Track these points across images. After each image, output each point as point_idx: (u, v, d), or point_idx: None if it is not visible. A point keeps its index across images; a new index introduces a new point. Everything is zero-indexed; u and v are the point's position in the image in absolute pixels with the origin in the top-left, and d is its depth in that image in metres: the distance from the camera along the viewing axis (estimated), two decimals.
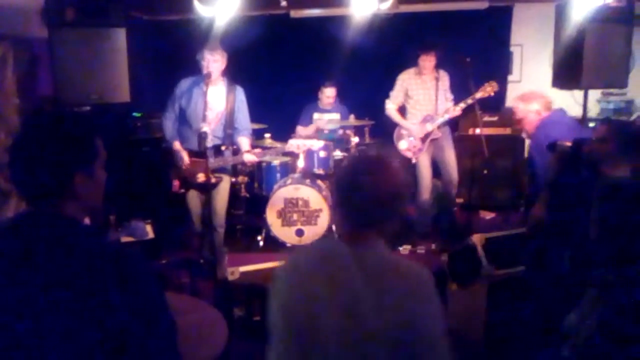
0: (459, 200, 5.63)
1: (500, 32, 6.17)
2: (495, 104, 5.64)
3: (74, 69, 3.62)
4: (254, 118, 4.47)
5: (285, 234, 4.79)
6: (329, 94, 5.59)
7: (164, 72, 5.57)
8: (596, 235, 1.78)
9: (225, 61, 4.01)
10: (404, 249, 4.89)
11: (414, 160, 5.09)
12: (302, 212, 4.78)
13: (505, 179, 5.70)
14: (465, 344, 3.24)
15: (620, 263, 1.69)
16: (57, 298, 1.15)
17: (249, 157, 4.14)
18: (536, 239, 2.98)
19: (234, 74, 4.26)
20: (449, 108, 4.95)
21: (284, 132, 5.39)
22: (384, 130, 5.55)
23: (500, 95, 5.73)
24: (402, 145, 5.10)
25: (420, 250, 4.90)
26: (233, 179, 4.64)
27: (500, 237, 3.46)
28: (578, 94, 4.30)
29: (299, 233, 4.79)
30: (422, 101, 5.03)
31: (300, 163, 5.06)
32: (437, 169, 5.22)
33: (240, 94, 4.16)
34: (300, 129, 5.69)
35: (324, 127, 5.65)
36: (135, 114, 5.41)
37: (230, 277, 4.23)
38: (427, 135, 5.00)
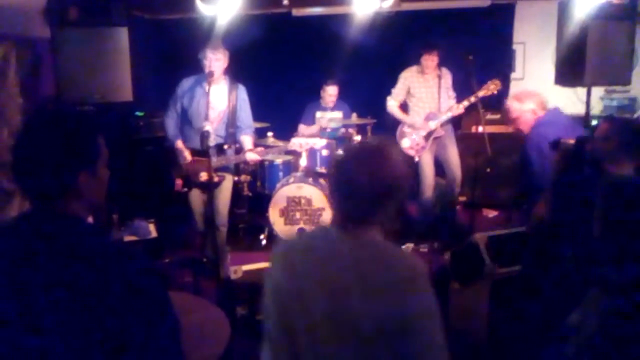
0: (462, 199, 5.62)
1: (502, 29, 6.15)
2: (498, 101, 5.62)
3: (77, 69, 3.63)
4: (256, 116, 4.47)
5: (288, 232, 4.80)
6: (331, 92, 5.59)
7: (166, 71, 5.58)
8: (599, 233, 1.78)
9: (227, 60, 4.01)
10: (407, 247, 4.88)
11: (416, 159, 5.09)
12: (305, 210, 4.78)
13: (508, 177, 5.68)
14: (468, 343, 3.24)
15: (623, 262, 1.69)
16: (58, 297, 1.16)
17: (252, 156, 4.14)
18: (539, 238, 2.97)
19: (236, 72, 4.26)
20: (451, 106, 4.94)
21: (286, 131, 5.39)
22: (386, 128, 5.54)
23: (503, 93, 5.70)
24: (405, 143, 5.10)
25: (423, 248, 4.90)
26: (235, 178, 4.64)
27: (502, 236, 3.45)
28: (581, 91, 4.29)
29: (302, 232, 4.80)
30: (424, 99, 5.03)
31: (303, 162, 5.07)
32: (440, 168, 5.22)
33: (242, 92, 4.15)
34: (302, 128, 5.69)
35: (327, 125, 5.65)
36: (138, 113, 5.42)
37: (233, 276, 4.24)
38: (430, 134, 5.00)
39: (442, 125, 4.99)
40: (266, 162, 5.18)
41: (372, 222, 1.55)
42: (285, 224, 4.80)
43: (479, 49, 4.94)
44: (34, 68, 3.83)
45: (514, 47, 6.27)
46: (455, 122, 5.31)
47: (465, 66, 4.62)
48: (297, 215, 4.78)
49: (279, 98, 6.02)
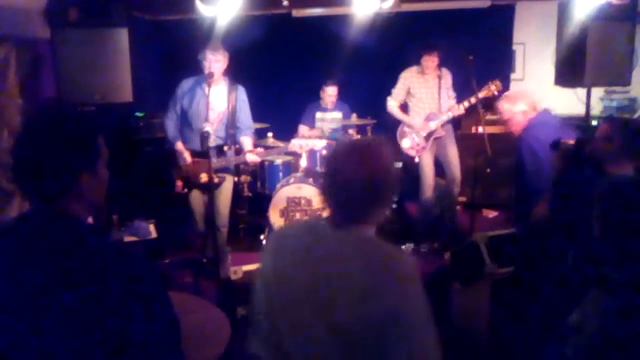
0: (462, 199, 5.62)
1: (502, 30, 6.16)
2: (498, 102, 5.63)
3: (77, 69, 3.63)
4: (256, 117, 4.47)
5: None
6: (330, 92, 5.59)
7: (166, 72, 5.58)
8: (599, 233, 1.78)
9: (227, 61, 4.01)
10: (407, 247, 4.89)
11: (416, 159, 5.09)
12: (305, 211, 4.78)
13: (508, 178, 5.68)
14: (469, 342, 3.24)
15: (623, 261, 1.69)
16: (58, 298, 1.16)
17: (252, 157, 4.13)
18: (539, 238, 2.97)
19: (236, 73, 4.26)
20: (452, 106, 4.94)
21: (286, 131, 5.39)
22: (386, 129, 5.55)
23: (504, 94, 5.72)
24: (405, 143, 5.10)
25: (423, 249, 4.90)
26: (236, 178, 4.64)
27: (503, 236, 3.45)
28: (581, 92, 4.29)
29: (297, 221, 4.80)
30: (424, 99, 5.03)
31: (303, 162, 5.07)
32: (440, 168, 5.22)
33: (241, 93, 4.15)
34: (302, 128, 5.69)
35: (327, 126, 5.65)
36: (138, 114, 5.42)
37: (233, 277, 4.24)
38: (430, 134, 5.00)
39: (442, 125, 4.99)
40: (266, 163, 5.18)
41: (362, 219, 1.55)
42: (286, 224, 4.80)
43: (479, 50, 4.94)
44: (34, 69, 3.83)
45: (514, 47, 6.27)
46: (455, 123, 5.31)
47: (465, 67, 4.62)
48: (297, 215, 4.78)
49: (279, 99, 6.02)
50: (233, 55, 4.08)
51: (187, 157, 4.04)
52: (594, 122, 4.80)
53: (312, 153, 5.04)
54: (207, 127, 3.58)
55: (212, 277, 3.92)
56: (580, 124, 4.65)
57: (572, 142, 2.83)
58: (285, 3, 5.20)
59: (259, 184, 5.33)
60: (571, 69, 4.01)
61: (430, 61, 4.90)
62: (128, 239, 4.21)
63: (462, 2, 5.94)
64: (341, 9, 5.43)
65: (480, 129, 5.09)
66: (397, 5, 5.07)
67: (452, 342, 1.49)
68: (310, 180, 4.87)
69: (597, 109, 5.65)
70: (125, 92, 3.75)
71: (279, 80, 6.14)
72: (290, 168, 5.24)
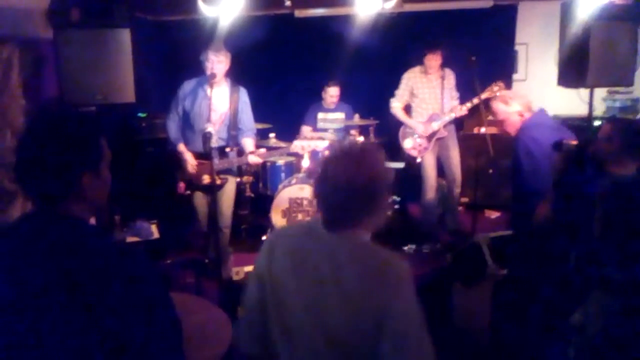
0: (464, 200, 5.62)
1: (505, 30, 6.15)
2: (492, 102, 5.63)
3: (79, 70, 3.63)
4: (258, 118, 4.47)
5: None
6: (332, 93, 5.59)
7: (168, 73, 5.59)
8: (600, 234, 1.77)
9: (229, 62, 4.01)
10: (409, 248, 4.88)
11: (418, 159, 5.09)
12: (307, 211, 4.78)
13: (510, 179, 5.67)
14: (470, 343, 3.23)
15: (625, 262, 1.68)
16: (59, 298, 1.16)
17: (254, 159, 4.13)
18: (541, 238, 2.97)
19: (238, 73, 4.26)
20: (455, 107, 4.94)
21: (288, 132, 5.40)
22: (389, 129, 5.54)
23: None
24: (407, 144, 5.10)
25: (425, 249, 4.89)
26: (238, 179, 4.64)
27: (505, 237, 3.45)
28: (584, 92, 4.28)
29: (299, 222, 4.80)
30: (427, 100, 5.02)
31: (305, 163, 5.07)
32: (442, 168, 5.22)
33: (243, 95, 4.15)
34: (305, 129, 5.69)
35: (329, 127, 5.65)
36: (140, 114, 5.43)
37: (235, 277, 4.24)
38: (433, 134, 4.99)
39: (445, 126, 4.98)
40: (268, 164, 5.17)
41: (354, 224, 1.55)
42: (288, 225, 4.80)
43: (481, 50, 4.93)
44: (36, 69, 3.83)
45: (517, 48, 6.26)
46: (458, 123, 5.30)
47: (468, 67, 4.61)
48: (299, 216, 4.78)
49: (281, 99, 6.02)
50: (235, 56, 4.08)
51: (190, 159, 4.03)
52: (597, 123, 4.79)
53: (314, 154, 5.03)
54: (210, 128, 3.57)
55: (214, 278, 3.92)
56: (583, 124, 4.64)
57: (574, 142, 2.83)
58: (288, 3, 5.20)
59: (261, 184, 5.33)
60: (574, 69, 4.00)
61: (434, 60, 4.90)
62: (130, 239, 4.21)
63: (465, 2, 5.93)
64: (343, 9, 5.42)
65: (483, 130, 5.09)
66: (399, 6, 5.07)
67: (453, 343, 1.49)
68: (312, 181, 4.86)
69: (599, 109, 5.63)
70: (127, 92, 3.75)
71: (281, 81, 6.14)
72: (292, 169, 5.24)
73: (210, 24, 4.40)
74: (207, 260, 4.37)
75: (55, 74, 3.69)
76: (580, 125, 5.27)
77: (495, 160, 4.98)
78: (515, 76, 6.30)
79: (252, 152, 4.11)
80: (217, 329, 2.25)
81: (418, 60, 5.05)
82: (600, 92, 5.56)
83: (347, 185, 1.51)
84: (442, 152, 5.12)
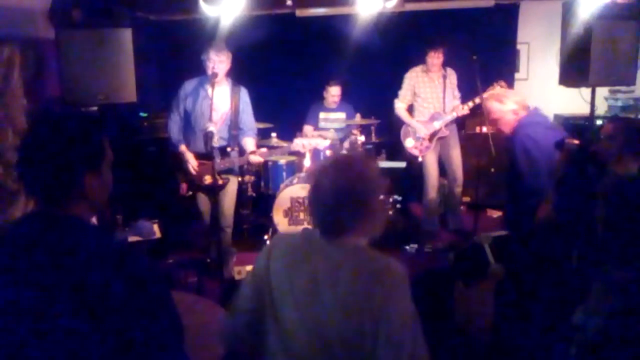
0: (466, 199, 5.61)
1: (507, 29, 6.14)
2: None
3: (81, 70, 3.63)
4: (259, 117, 4.47)
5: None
6: (333, 92, 5.58)
7: (170, 72, 5.59)
8: (601, 233, 1.77)
9: (230, 61, 4.01)
10: (411, 247, 4.88)
11: (420, 159, 5.08)
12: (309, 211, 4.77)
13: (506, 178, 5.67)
14: (472, 343, 3.23)
15: (626, 260, 1.68)
16: (60, 298, 1.16)
17: (255, 158, 4.13)
18: (543, 238, 2.96)
19: (240, 73, 4.26)
20: (456, 106, 4.94)
21: (289, 131, 5.40)
22: (390, 128, 5.54)
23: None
24: (409, 143, 5.10)
25: (427, 249, 4.89)
26: (239, 179, 4.65)
27: (507, 236, 3.44)
28: (585, 91, 4.27)
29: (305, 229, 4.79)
30: (429, 99, 5.02)
31: (307, 162, 5.07)
32: (443, 168, 5.22)
33: (244, 95, 4.15)
34: (307, 129, 5.68)
35: (331, 126, 5.65)
36: (142, 114, 5.43)
37: (237, 277, 4.24)
38: (434, 133, 4.99)
39: (446, 125, 4.98)
40: (270, 163, 5.17)
41: (348, 231, 1.56)
42: (289, 224, 4.79)
43: (483, 49, 4.93)
44: (38, 69, 3.83)
45: (518, 47, 6.25)
46: (459, 123, 5.30)
47: (469, 66, 4.61)
48: (301, 215, 4.77)
49: (283, 99, 6.02)
50: (237, 55, 4.08)
51: (192, 160, 4.03)
52: (599, 122, 4.78)
53: (316, 153, 5.03)
54: (211, 127, 3.57)
55: (216, 277, 3.92)
56: (585, 124, 4.64)
57: (576, 142, 2.83)
58: (289, 3, 5.19)
59: (262, 184, 5.33)
60: (576, 68, 4.00)
61: (436, 58, 4.89)
62: (132, 238, 4.22)
63: (466, 1, 5.93)
64: (345, 8, 5.42)
65: (485, 129, 5.08)
66: (400, 5, 5.06)
67: (454, 342, 1.49)
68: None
69: (601, 108, 5.62)
70: (129, 92, 3.75)
71: (282, 80, 6.14)
72: (294, 168, 5.24)
73: (211, 23, 4.40)
74: (208, 260, 4.38)
75: (56, 73, 3.69)
76: (582, 125, 5.28)
77: (497, 159, 4.97)
78: (516, 75, 6.29)
79: (253, 152, 4.11)
80: (219, 329, 2.25)
81: (419, 60, 5.04)
82: (602, 91, 5.54)
83: (334, 193, 1.53)
84: (443, 151, 5.12)
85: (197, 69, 4.06)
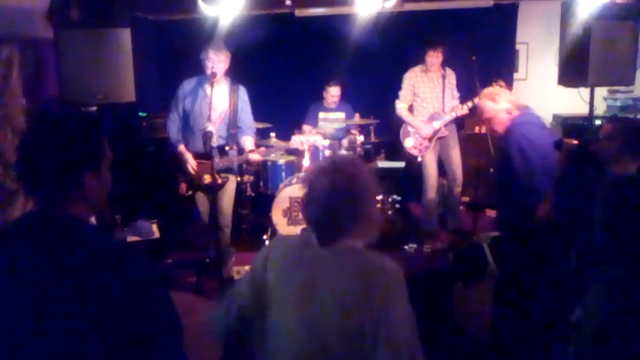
0: (465, 199, 5.61)
1: (505, 29, 6.14)
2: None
3: (80, 70, 3.63)
4: (258, 117, 4.46)
5: (291, 233, 4.79)
6: (333, 92, 5.58)
7: (168, 72, 5.59)
8: (600, 232, 1.77)
9: (229, 61, 4.01)
10: (410, 247, 4.88)
11: (419, 159, 5.08)
12: None
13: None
14: (472, 343, 3.23)
15: (624, 260, 1.68)
16: (59, 298, 1.16)
17: (254, 157, 4.13)
18: (542, 238, 2.97)
19: (239, 73, 4.26)
20: (455, 106, 4.94)
21: (288, 131, 5.39)
22: (389, 128, 5.54)
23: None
24: (409, 143, 5.10)
25: (427, 248, 4.89)
26: (238, 178, 4.64)
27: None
28: (584, 91, 4.28)
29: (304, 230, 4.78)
30: (428, 99, 5.02)
31: (306, 162, 5.06)
32: (443, 168, 5.22)
33: (243, 93, 4.15)
34: (307, 129, 5.68)
35: (329, 126, 5.65)
36: (141, 114, 5.43)
37: (236, 277, 4.24)
38: (434, 133, 4.99)
39: (446, 125, 4.98)
40: (269, 163, 5.17)
41: (343, 233, 1.57)
42: (288, 224, 4.79)
43: (481, 49, 4.93)
44: (37, 69, 3.83)
45: (517, 47, 6.26)
46: (459, 123, 5.30)
47: (468, 66, 4.61)
48: (300, 215, 4.77)
49: (282, 99, 6.02)
50: (235, 55, 4.08)
51: (191, 160, 4.03)
52: (598, 122, 4.78)
53: (315, 153, 5.03)
54: (210, 127, 3.57)
55: (215, 277, 3.92)
56: (584, 124, 4.63)
57: (575, 142, 2.83)
58: (288, 2, 5.19)
59: (261, 183, 5.33)
60: (574, 68, 4.00)
61: (435, 57, 4.89)
62: (131, 238, 4.22)
63: (465, 1, 5.94)
64: (344, 8, 5.42)
65: (484, 129, 5.08)
66: (399, 5, 5.06)
67: (453, 342, 1.50)
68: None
69: (600, 108, 5.63)
70: (127, 92, 3.75)
71: (281, 80, 6.14)
72: (293, 168, 5.24)
73: (210, 23, 4.39)
74: (207, 260, 4.37)
75: (55, 73, 3.69)
76: (580, 125, 5.28)
77: (496, 159, 4.97)
78: (515, 75, 6.29)
79: (251, 151, 4.11)
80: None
81: (418, 60, 5.05)
82: (601, 92, 5.55)
83: (328, 196, 1.55)
84: (443, 151, 5.12)
85: (196, 69, 4.05)
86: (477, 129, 5.86)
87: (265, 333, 1.60)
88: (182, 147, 4.07)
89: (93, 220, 1.59)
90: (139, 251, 3.86)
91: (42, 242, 1.21)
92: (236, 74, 4.20)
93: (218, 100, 4.01)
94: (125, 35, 3.70)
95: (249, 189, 5.24)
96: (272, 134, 5.08)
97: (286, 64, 6.14)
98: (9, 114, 3.42)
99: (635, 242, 1.67)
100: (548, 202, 2.99)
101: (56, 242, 1.22)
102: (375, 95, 5.75)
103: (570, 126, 5.56)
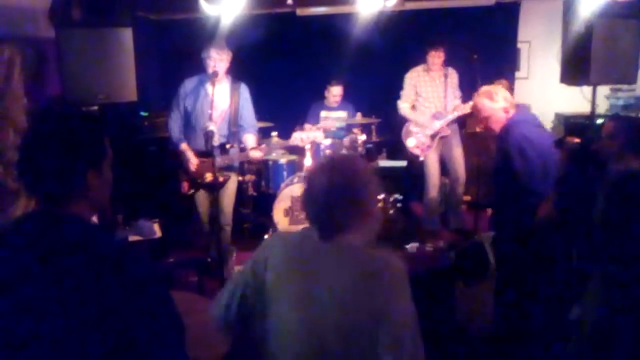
0: (467, 198, 5.61)
1: (507, 28, 6.13)
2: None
3: (81, 69, 3.63)
4: (260, 117, 4.47)
5: None
6: (335, 92, 5.58)
7: (170, 71, 5.59)
8: (601, 229, 1.77)
9: (230, 60, 4.01)
10: (411, 246, 4.88)
11: (421, 158, 5.08)
12: None
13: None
14: (473, 341, 3.23)
15: (624, 258, 1.68)
16: (60, 298, 1.16)
17: (255, 154, 4.13)
18: (543, 237, 2.96)
19: (241, 72, 4.26)
20: (458, 105, 4.93)
21: (290, 131, 5.37)
22: (391, 127, 5.54)
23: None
24: (411, 142, 5.09)
25: (428, 248, 4.89)
26: (240, 178, 4.64)
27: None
28: (587, 90, 4.26)
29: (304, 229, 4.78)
30: (430, 98, 5.02)
31: (307, 161, 5.06)
32: (445, 167, 5.21)
33: (244, 91, 4.15)
34: (308, 128, 5.68)
35: (331, 125, 5.64)
36: (142, 113, 5.43)
37: None
38: (436, 133, 4.99)
39: (448, 125, 4.98)
40: (270, 162, 5.17)
41: (343, 230, 1.57)
42: (290, 223, 4.79)
43: (483, 48, 4.92)
44: (38, 68, 3.83)
45: (519, 45, 6.25)
46: (460, 122, 5.30)
47: (470, 65, 4.60)
48: (302, 215, 4.76)
49: (283, 98, 6.01)
50: (237, 55, 4.08)
51: (193, 158, 4.03)
52: (600, 121, 4.77)
53: (316, 152, 5.03)
54: (212, 127, 3.57)
55: (216, 277, 3.92)
56: (586, 122, 4.62)
57: (577, 140, 2.83)
58: (290, 2, 5.19)
59: (263, 183, 5.33)
60: (577, 67, 3.99)
61: (437, 57, 4.89)
62: (132, 238, 4.21)
63: (467, 0, 5.92)
64: (345, 7, 5.42)
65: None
66: (401, 4, 5.06)
67: (455, 341, 1.49)
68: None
69: (602, 107, 5.62)
70: (129, 91, 3.75)
71: (282, 80, 6.13)
72: (294, 167, 5.24)
73: (212, 22, 4.39)
74: (209, 259, 4.38)
75: (57, 73, 3.69)
76: (583, 123, 5.27)
77: None
78: (517, 74, 6.28)
79: (253, 148, 4.11)
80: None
81: (420, 59, 5.04)
82: (603, 90, 5.54)
83: (326, 192, 1.55)
84: (445, 150, 5.11)
85: (198, 68, 4.06)
86: (478, 128, 5.85)
87: (266, 332, 1.60)
88: (184, 146, 4.07)
89: (95, 219, 1.59)
90: (141, 250, 3.87)
91: (43, 241, 1.21)
92: (237, 74, 4.20)
93: (219, 99, 4.01)
94: (127, 35, 3.70)
95: (250, 188, 5.24)
96: (274, 133, 5.08)
97: (287, 64, 6.13)
98: (11, 114, 3.41)
99: (635, 240, 1.67)
100: (550, 201, 2.98)
101: (58, 241, 1.21)
102: (376, 94, 5.75)
103: (572, 125, 5.55)
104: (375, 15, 5.01)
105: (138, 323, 1.18)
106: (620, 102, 5.70)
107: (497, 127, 3.33)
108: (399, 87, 5.13)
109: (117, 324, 1.15)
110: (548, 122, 6.00)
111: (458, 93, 5.09)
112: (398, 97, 5.13)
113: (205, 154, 3.88)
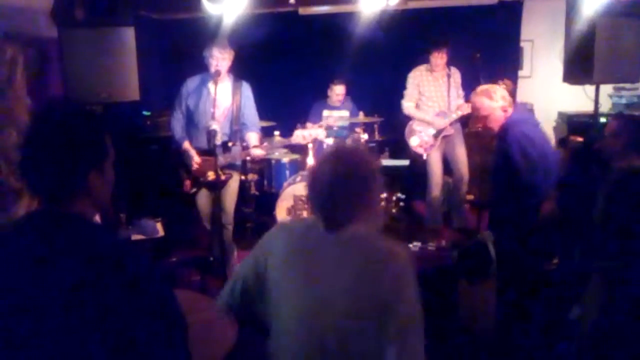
0: (470, 197, 5.60)
1: (510, 27, 6.11)
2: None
3: (84, 68, 3.64)
4: (262, 116, 4.46)
5: None
6: (338, 91, 5.58)
7: (172, 70, 5.59)
8: (602, 228, 1.76)
9: (232, 59, 4.01)
10: (414, 245, 4.87)
11: (424, 157, 5.08)
12: None
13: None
14: (476, 340, 3.23)
15: (624, 257, 1.67)
16: (62, 297, 1.16)
17: (257, 152, 4.12)
18: (546, 235, 2.96)
19: (243, 71, 4.25)
20: (461, 105, 4.92)
21: (292, 130, 5.38)
22: (394, 126, 5.53)
23: (512, 92, 5.69)
24: (414, 141, 5.09)
25: (431, 247, 4.88)
26: (242, 177, 4.64)
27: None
28: (590, 89, 4.26)
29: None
30: (434, 97, 5.01)
31: (310, 160, 5.06)
32: (447, 166, 5.21)
33: (246, 89, 4.14)
34: (310, 126, 5.67)
35: (333, 124, 5.64)
36: (145, 112, 5.44)
37: None
38: (439, 132, 4.98)
39: (451, 124, 4.97)
40: (273, 161, 5.17)
41: (349, 219, 1.57)
42: None
43: (486, 47, 4.92)
44: (41, 68, 3.84)
45: (522, 44, 6.23)
46: (463, 121, 5.29)
47: (473, 64, 4.60)
48: (304, 213, 4.76)
49: (286, 97, 6.01)
50: (239, 54, 4.07)
51: (195, 156, 4.03)
52: (603, 120, 4.76)
53: (319, 151, 5.03)
54: (214, 125, 3.57)
55: (219, 276, 3.92)
56: (589, 121, 4.61)
57: (580, 139, 2.82)
58: (292, 1, 5.19)
59: (265, 182, 5.33)
60: (580, 66, 3.98)
61: (440, 58, 4.88)
62: (135, 237, 4.22)
63: None
64: (348, 6, 5.41)
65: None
66: (403, 3, 5.05)
67: (458, 340, 1.49)
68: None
69: (605, 106, 5.60)
70: (131, 90, 3.76)
71: (285, 79, 6.13)
72: (297, 166, 5.24)
73: (214, 22, 4.39)
74: (211, 258, 4.37)
75: (59, 72, 3.70)
76: (586, 122, 5.26)
77: None
78: (520, 73, 6.26)
79: (255, 146, 4.11)
80: (222, 327, 2.25)
81: (422, 58, 5.03)
82: (606, 89, 5.53)
83: (330, 182, 1.55)
84: (448, 149, 5.11)
85: (200, 67, 4.05)
86: (481, 127, 5.84)
87: (269, 318, 1.61)
88: (186, 144, 4.07)
89: (97, 218, 1.59)
90: (142, 250, 3.87)
91: (45, 240, 1.21)
92: (240, 73, 4.20)
93: (221, 98, 4.00)
94: (129, 34, 3.70)
95: (253, 188, 5.24)
96: (276, 132, 5.08)
97: (290, 63, 6.13)
98: (13, 113, 3.43)
99: (636, 239, 1.67)
100: (552, 199, 2.98)
101: (60, 241, 1.21)
102: (379, 93, 5.74)
103: (575, 124, 5.53)
104: (377, 14, 5.01)
105: (138, 322, 1.18)
106: (623, 101, 5.69)
107: (495, 126, 3.31)
108: (402, 86, 5.13)
109: (117, 323, 1.15)
110: (551, 121, 5.99)
111: (461, 92, 5.08)
112: (401, 96, 5.12)
113: (207, 152, 3.88)
